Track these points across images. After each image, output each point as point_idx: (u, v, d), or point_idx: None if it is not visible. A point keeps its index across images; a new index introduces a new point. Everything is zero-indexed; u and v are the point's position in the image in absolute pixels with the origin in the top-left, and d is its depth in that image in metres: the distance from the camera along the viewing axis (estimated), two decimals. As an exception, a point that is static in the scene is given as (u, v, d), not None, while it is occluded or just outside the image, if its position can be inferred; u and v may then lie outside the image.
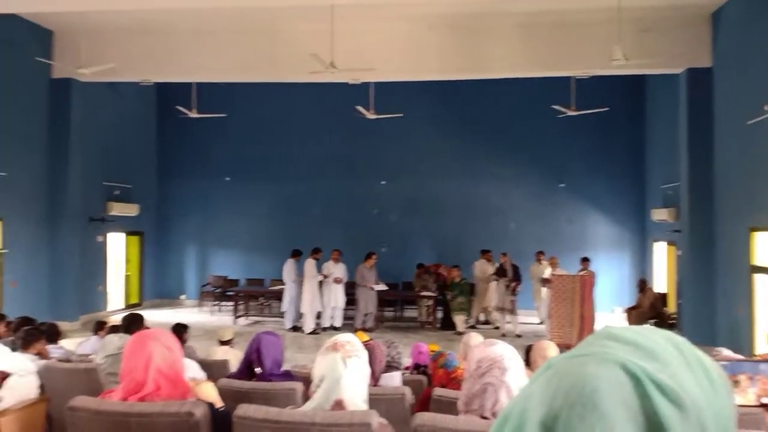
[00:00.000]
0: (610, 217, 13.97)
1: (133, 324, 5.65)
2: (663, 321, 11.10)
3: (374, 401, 3.15)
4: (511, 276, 11.29)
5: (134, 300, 14.43)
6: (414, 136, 14.15)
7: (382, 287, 11.61)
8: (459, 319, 11.60)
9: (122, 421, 2.10)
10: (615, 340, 0.66)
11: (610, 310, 12.79)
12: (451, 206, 14.24)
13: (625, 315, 11.61)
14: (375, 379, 3.38)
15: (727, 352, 5.13)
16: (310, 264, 11.23)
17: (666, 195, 12.00)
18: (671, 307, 11.72)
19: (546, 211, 14.09)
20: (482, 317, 12.51)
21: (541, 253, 12.13)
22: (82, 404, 2.17)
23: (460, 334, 11.31)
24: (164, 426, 2.09)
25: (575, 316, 9.78)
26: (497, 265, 11.67)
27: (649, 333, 0.67)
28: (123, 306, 13.86)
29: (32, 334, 5.08)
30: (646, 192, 13.68)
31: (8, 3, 8.22)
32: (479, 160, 14.11)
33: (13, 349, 4.28)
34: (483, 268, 12.19)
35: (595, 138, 13.63)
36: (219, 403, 2.36)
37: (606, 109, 11.99)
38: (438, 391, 3.19)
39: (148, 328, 6.57)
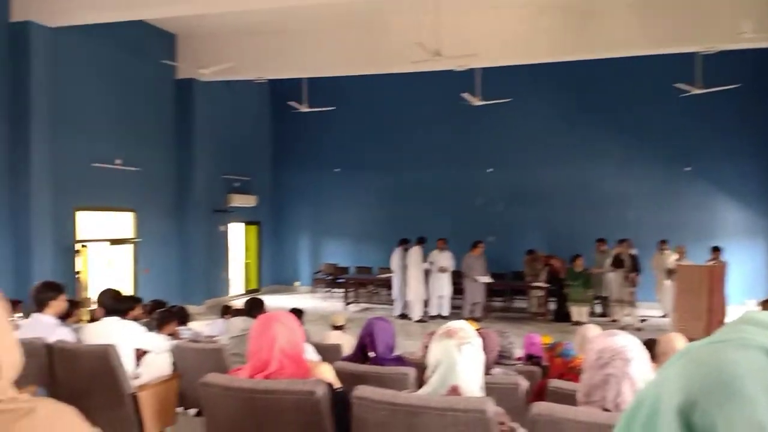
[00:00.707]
0: (742, 202, 12.82)
1: (254, 308, 6.01)
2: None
3: (487, 390, 3.14)
4: (630, 266, 10.73)
5: (253, 286, 15.29)
6: (522, 122, 13.75)
7: (487, 279, 11.41)
8: (579, 311, 11.18)
9: (249, 397, 2.24)
10: (756, 325, 0.64)
11: (741, 303, 11.77)
12: (562, 194, 13.72)
13: (759, 308, 10.65)
14: (487, 368, 3.35)
15: None
16: (415, 252, 11.31)
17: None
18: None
19: (669, 198, 13.18)
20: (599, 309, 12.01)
21: (664, 242, 11.39)
22: (214, 380, 2.34)
23: (577, 324, 11.00)
24: (288, 403, 2.20)
25: (702, 310, 9.10)
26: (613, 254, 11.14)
27: None
28: (243, 291, 14.72)
29: (166, 316, 5.54)
30: (785, 175, 12.42)
31: (135, 9, 8.95)
32: (593, 144, 13.47)
33: (149, 330, 4.68)
34: (599, 258, 11.66)
35: (725, 117, 12.52)
36: (337, 384, 2.45)
37: (737, 85, 10.97)
38: (554, 383, 3.10)
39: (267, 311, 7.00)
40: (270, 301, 13.43)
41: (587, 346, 4.52)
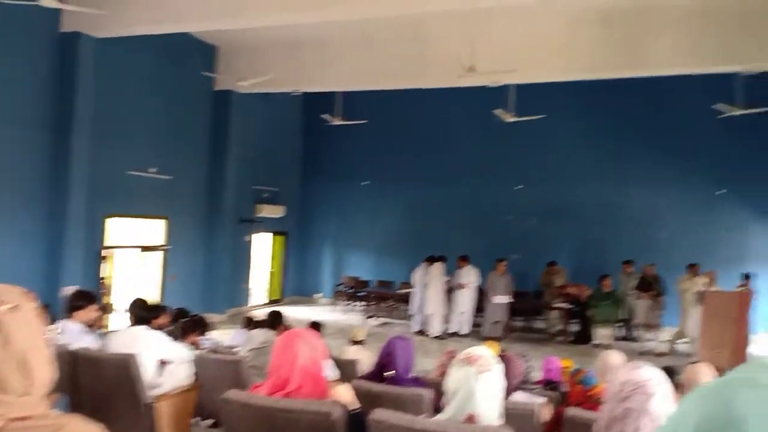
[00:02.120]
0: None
1: (275, 320, 6.09)
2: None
3: (506, 415, 3.12)
4: (657, 289, 10.58)
5: (275, 296, 15.39)
6: (555, 139, 13.65)
7: (504, 299, 11.22)
8: (604, 332, 11.02)
9: (268, 415, 2.27)
10: (728, 386, 0.66)
11: (768, 331, 11.46)
12: (593, 213, 13.55)
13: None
14: (508, 392, 3.33)
15: None
16: (437, 267, 11.27)
17: None
18: None
19: (702, 220, 12.91)
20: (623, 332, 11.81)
21: (694, 265, 11.14)
22: (234, 397, 2.37)
23: (598, 346, 10.84)
24: (304, 422, 2.22)
25: (728, 337, 8.90)
26: (638, 276, 10.99)
27: (761, 367, 0.67)
28: (265, 302, 14.83)
29: (189, 325, 5.62)
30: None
31: (182, 23, 9.15)
32: (626, 162, 13.29)
33: (173, 339, 4.74)
34: (624, 280, 11.48)
35: (763, 139, 12.26)
36: (354, 405, 2.45)
37: (775, 107, 10.72)
38: (572, 411, 3.07)
39: (288, 324, 7.02)
40: (291, 311, 13.53)
41: (609, 375, 4.47)
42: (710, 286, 9.82)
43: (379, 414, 2.12)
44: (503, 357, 3.37)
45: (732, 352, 8.82)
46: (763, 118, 10.65)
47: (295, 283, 15.90)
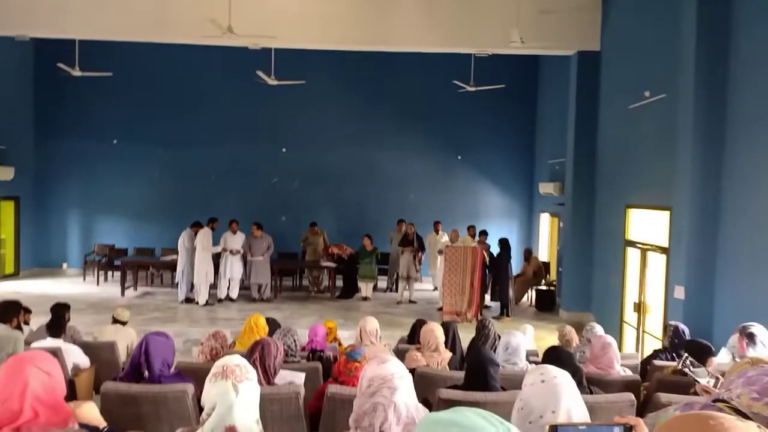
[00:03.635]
0: (502, 189, 14.63)
1: (8, 311, 5.25)
2: (546, 287, 11.93)
3: (269, 401, 3.19)
4: (417, 245, 11.67)
5: (10, 270, 13.38)
6: (316, 104, 13.96)
7: (259, 258, 11.20)
8: (367, 286, 11.91)
9: (-5, 455, 1.98)
10: (438, 424, 0.80)
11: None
12: (353, 175, 14.27)
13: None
14: (270, 376, 3.39)
15: (597, 328, 5.58)
16: (204, 234, 10.87)
17: (553, 170, 12.71)
18: (552, 275, 12.57)
19: (444, 183, 14.50)
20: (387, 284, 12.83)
21: (438, 223, 12.52)
22: (-53, 439, 2.01)
23: (366, 299, 11.75)
24: (42, 458, 1.98)
25: (466, 286, 10.25)
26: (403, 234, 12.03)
27: (464, 411, 0.82)
28: (-4, 276, 12.85)
29: None
30: (535, 166, 14.41)
31: None
32: (382, 130, 14.20)
33: None
34: (397, 237, 12.36)
35: (492, 113, 14.09)
36: (102, 424, 2.27)
37: (502, 86, 12.41)
38: (332, 388, 3.26)
39: (27, 310, 6.14)
40: (31, 286, 12.00)
41: (366, 339, 4.81)
42: (454, 241, 11.11)
43: (131, 439, 1.99)
44: (259, 343, 3.41)
45: (469, 298, 10.21)
46: (490, 94, 12.31)
47: (34, 254, 13.97)
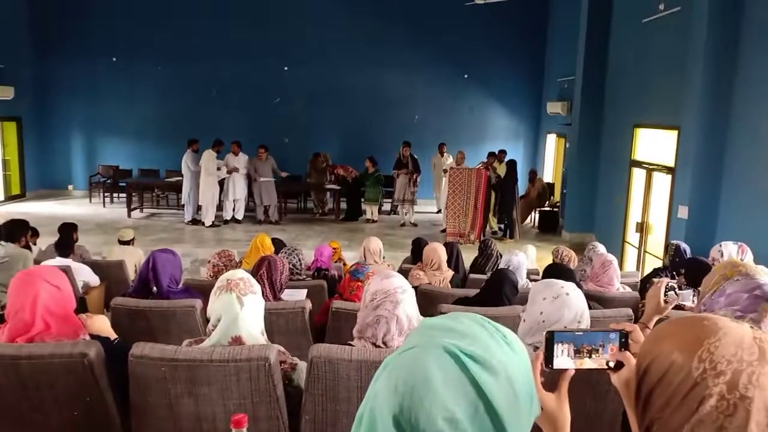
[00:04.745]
0: (509, 109, 14.36)
1: (16, 230, 5.31)
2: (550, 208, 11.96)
3: (275, 315, 3.27)
4: (411, 168, 11.54)
5: (16, 191, 13.46)
6: (319, 21, 13.49)
7: (267, 179, 11.24)
8: (371, 209, 11.93)
9: (11, 364, 2.05)
10: (434, 329, 0.78)
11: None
12: (357, 96, 13.99)
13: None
14: (276, 291, 3.46)
15: (600, 247, 5.64)
16: (208, 156, 10.82)
17: (561, 88, 12.41)
18: (556, 197, 12.57)
19: (450, 103, 14.21)
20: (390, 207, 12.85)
21: (443, 144, 12.39)
22: (-36, 348, 2.09)
23: (370, 221, 11.82)
24: (58, 366, 2.06)
25: (469, 208, 10.28)
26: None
27: (458, 317, 0.80)
28: (2, 198, 12.93)
29: None
30: (543, 85, 14.07)
31: None
32: (387, 48, 13.76)
33: None
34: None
35: (501, 29, 13.59)
36: (113, 336, 2.34)
37: (513, -2, 11.90)
38: (336, 303, 3.33)
39: (35, 232, 6.22)
40: (37, 207, 12.10)
41: (369, 258, 4.87)
42: (459, 163, 11.02)
43: (140, 348, 2.06)
44: (267, 259, 3.46)
45: (472, 220, 10.27)
46: (501, 7, 11.79)
47: (39, 176, 13.98)
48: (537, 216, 12.03)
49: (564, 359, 1.15)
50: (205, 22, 13.43)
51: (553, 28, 13.60)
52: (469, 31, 13.57)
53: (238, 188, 11.23)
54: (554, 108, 12.18)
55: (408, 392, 0.71)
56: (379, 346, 2.13)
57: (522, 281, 4.37)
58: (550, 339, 1.14)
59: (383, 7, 13.54)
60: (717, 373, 0.84)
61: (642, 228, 8.56)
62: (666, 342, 0.92)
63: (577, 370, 1.15)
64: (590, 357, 1.15)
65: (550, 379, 1.12)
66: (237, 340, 2.07)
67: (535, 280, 4.55)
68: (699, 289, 2.23)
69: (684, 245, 5.23)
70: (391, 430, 0.70)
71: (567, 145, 11.87)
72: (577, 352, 1.15)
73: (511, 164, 10.69)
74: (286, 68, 13.89)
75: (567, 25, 12.09)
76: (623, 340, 1.15)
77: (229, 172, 11.00)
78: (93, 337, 2.25)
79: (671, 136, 7.70)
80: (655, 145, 8.47)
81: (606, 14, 10.21)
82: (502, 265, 4.44)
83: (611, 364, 1.12)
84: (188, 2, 13.38)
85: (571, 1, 11.74)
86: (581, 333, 1.16)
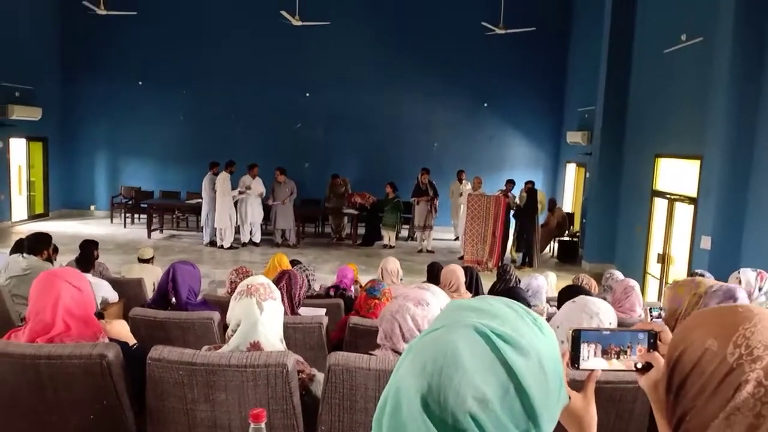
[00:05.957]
0: (529, 137, 14.37)
1: (39, 244, 5.38)
2: (568, 237, 11.84)
3: (292, 329, 3.25)
4: (432, 194, 11.55)
5: (40, 210, 13.69)
6: (340, 47, 13.69)
7: (278, 202, 11.26)
8: (389, 235, 11.90)
9: (31, 363, 2.05)
10: (462, 309, 0.76)
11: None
12: (376, 122, 14.11)
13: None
14: (294, 306, 3.44)
15: (617, 274, 5.55)
16: (222, 179, 10.93)
17: (582, 118, 12.41)
18: (576, 227, 12.45)
19: (469, 130, 14.27)
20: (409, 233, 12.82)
21: (462, 171, 12.39)
22: (-15, 347, 2.09)
23: (386, 247, 11.77)
24: (76, 368, 2.06)
25: (488, 235, 10.22)
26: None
27: (488, 299, 0.78)
28: (27, 216, 13.15)
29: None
30: (563, 114, 14.08)
31: None
32: (407, 75, 13.92)
33: None
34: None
35: (521, 58, 13.69)
36: (132, 341, 2.34)
37: (533, 29, 12.00)
38: (354, 320, 3.31)
39: (55, 249, 6.29)
40: (60, 227, 12.26)
41: (387, 278, 4.84)
42: (477, 190, 11.00)
43: (159, 351, 2.05)
44: (287, 272, 3.46)
45: (491, 247, 10.20)
46: (522, 37, 11.90)
47: (63, 195, 14.23)
48: (556, 245, 11.91)
49: (591, 360, 1.11)
50: (230, 51, 13.71)
51: (573, 57, 13.67)
52: (489, 60, 13.69)
53: (254, 212, 11.30)
54: (574, 137, 12.16)
55: (437, 371, 0.68)
56: (399, 353, 2.09)
57: (542, 306, 4.31)
58: (577, 338, 1.10)
59: (404, 37, 13.73)
60: (753, 359, 0.81)
61: (663, 259, 8.43)
62: (698, 330, 0.89)
63: (603, 371, 1.11)
64: (618, 358, 1.12)
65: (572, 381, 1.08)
66: (256, 346, 2.05)
67: (555, 306, 4.49)
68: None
69: (708, 275, 5.13)
70: (418, 410, 0.67)
71: (587, 175, 11.80)
72: (605, 353, 1.11)
73: (531, 191, 10.64)
74: (307, 94, 14.09)
75: (587, 55, 12.15)
76: (652, 340, 1.11)
77: (241, 192, 11.08)
78: (112, 341, 2.24)
79: (693, 166, 7.63)
80: (677, 175, 8.39)
81: (627, 45, 10.24)
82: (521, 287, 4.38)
83: (639, 366, 1.08)
84: (213, 29, 13.70)
85: (591, 32, 11.83)
86: (608, 333, 1.13)
